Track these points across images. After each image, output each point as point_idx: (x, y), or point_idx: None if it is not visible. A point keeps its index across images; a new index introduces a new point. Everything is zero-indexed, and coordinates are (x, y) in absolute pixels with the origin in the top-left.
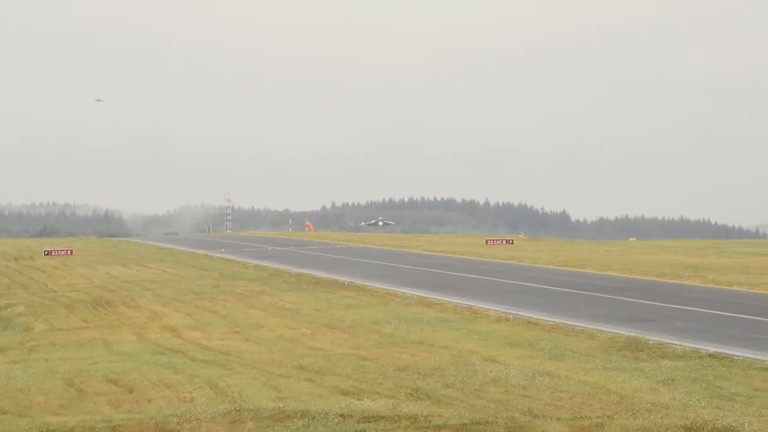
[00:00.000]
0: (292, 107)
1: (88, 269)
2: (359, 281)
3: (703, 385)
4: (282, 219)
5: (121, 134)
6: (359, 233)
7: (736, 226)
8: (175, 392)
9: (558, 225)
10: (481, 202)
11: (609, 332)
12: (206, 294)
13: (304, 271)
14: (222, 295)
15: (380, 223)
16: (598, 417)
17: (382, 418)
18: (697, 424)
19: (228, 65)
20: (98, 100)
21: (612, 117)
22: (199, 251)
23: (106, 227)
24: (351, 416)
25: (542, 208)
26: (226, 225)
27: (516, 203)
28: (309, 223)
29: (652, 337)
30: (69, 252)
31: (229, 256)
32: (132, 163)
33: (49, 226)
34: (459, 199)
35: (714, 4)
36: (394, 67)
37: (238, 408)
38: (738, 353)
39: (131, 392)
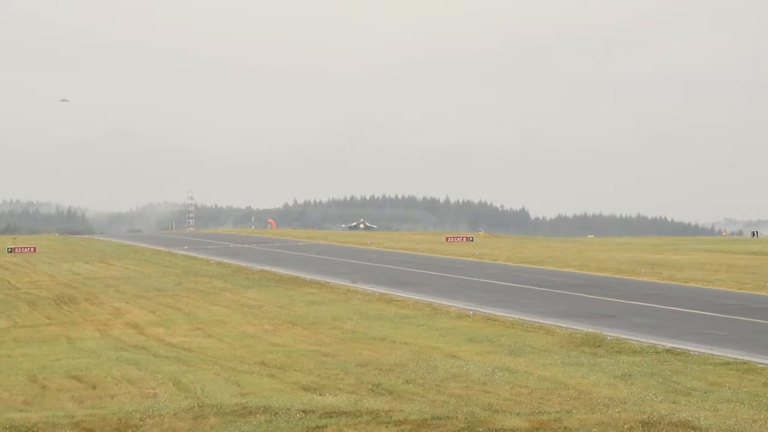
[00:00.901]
0: (255, 105)
1: (51, 266)
2: (321, 278)
3: (660, 380)
4: (245, 216)
5: (85, 132)
6: (321, 231)
7: (693, 223)
8: (138, 388)
9: (517, 222)
10: (442, 199)
11: (568, 328)
12: (169, 291)
13: (267, 268)
14: (185, 292)
15: (362, 226)
16: (557, 412)
17: (344, 413)
18: (654, 419)
19: (191, 63)
20: (63, 100)
21: (571, 116)
22: (162, 248)
23: (70, 225)
24: (313, 411)
25: (502, 206)
26: (189, 222)
27: (476, 201)
28: (271, 220)
29: (610, 333)
30: (32, 249)
31: (191, 254)
32: (96, 160)
33: (12, 223)
34: (420, 197)
35: (670, 6)
36: (356, 66)
37: (200, 404)
38: (694, 348)
39: (94, 388)
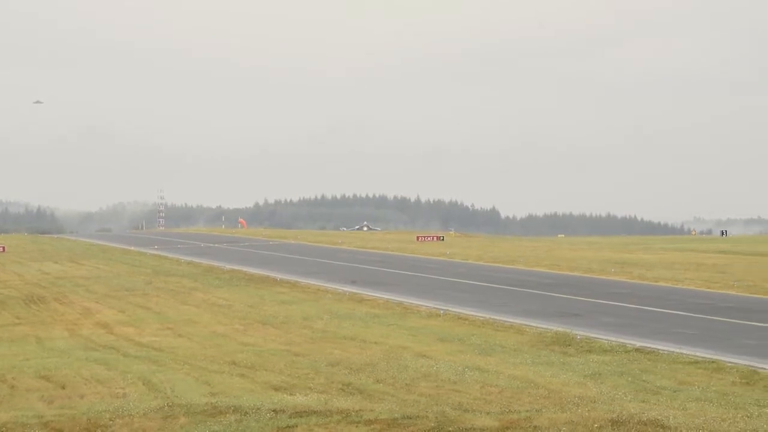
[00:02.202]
0: (225, 103)
1: (20, 266)
2: (292, 277)
3: (629, 378)
4: (215, 216)
5: (55, 130)
6: (292, 230)
7: (662, 223)
8: (107, 388)
9: (488, 222)
10: (413, 199)
11: (538, 327)
12: (139, 290)
13: (237, 267)
14: (155, 292)
15: (365, 228)
16: (527, 411)
17: (314, 412)
18: (623, 417)
19: (166, 61)
20: (37, 102)
21: (541, 117)
22: (132, 248)
23: (39, 224)
24: (283, 411)
25: (473, 205)
26: (160, 222)
27: (447, 200)
28: (242, 220)
29: (580, 332)
30: (1, 249)
31: (162, 253)
32: (66, 159)
33: None
34: (391, 197)
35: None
36: (328, 66)
37: (170, 403)
38: (663, 347)
39: (63, 388)
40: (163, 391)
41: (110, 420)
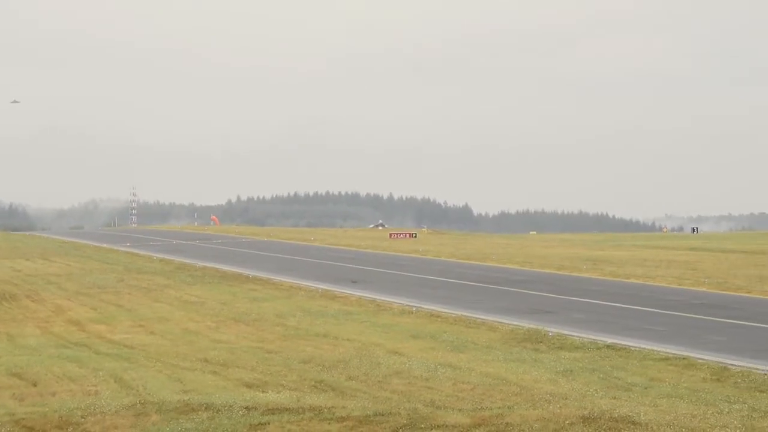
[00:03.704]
0: (198, 100)
1: None
2: (264, 274)
3: (601, 375)
4: (188, 213)
5: (27, 127)
6: (264, 227)
7: (634, 220)
8: (79, 385)
9: (460, 219)
10: (386, 196)
11: (510, 324)
12: (111, 288)
13: (210, 264)
14: (127, 289)
15: (380, 228)
16: (499, 407)
17: (287, 410)
18: (595, 414)
19: (135, 54)
20: (14, 101)
21: (514, 114)
22: (104, 245)
23: (11, 221)
24: (255, 408)
25: (445, 203)
26: (132, 219)
27: (420, 197)
28: (215, 217)
29: (552, 329)
30: None
31: (134, 250)
32: (38, 156)
33: None
34: (364, 194)
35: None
36: (300, 63)
37: (142, 401)
38: (634, 344)
39: (35, 386)
40: (135, 389)
41: (82, 417)
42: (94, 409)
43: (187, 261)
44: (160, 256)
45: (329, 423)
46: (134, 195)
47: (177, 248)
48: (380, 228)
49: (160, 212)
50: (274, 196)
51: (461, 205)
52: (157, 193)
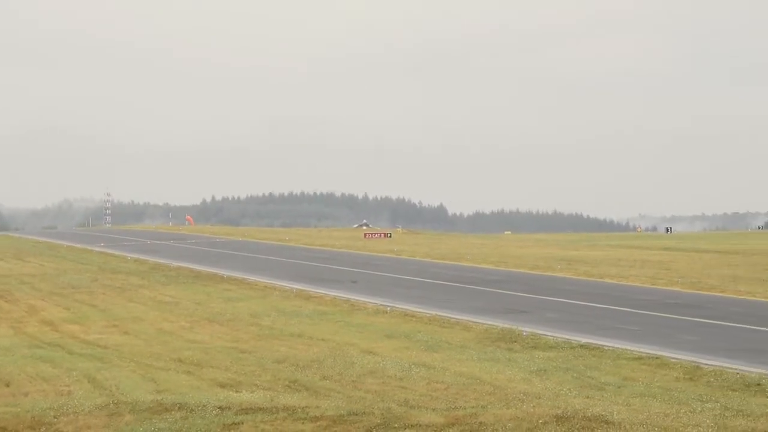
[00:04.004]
0: (172, 98)
1: None
2: (239, 274)
3: (574, 375)
4: (162, 213)
5: (2, 127)
6: (239, 227)
7: (608, 220)
8: (52, 386)
9: (435, 219)
10: (361, 196)
11: (484, 324)
12: (85, 288)
13: (184, 264)
14: (101, 289)
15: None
16: (473, 407)
17: (260, 409)
18: (568, 413)
19: (112, 50)
20: None
21: (489, 115)
22: (78, 245)
23: None
24: (229, 408)
25: (420, 203)
26: (106, 219)
27: (395, 197)
28: (189, 217)
29: (526, 329)
30: None
31: (108, 250)
32: (11, 156)
33: None
34: (339, 194)
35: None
36: (277, 61)
37: (116, 401)
38: (608, 344)
39: (8, 386)
40: (108, 389)
41: (55, 418)
42: (67, 410)
43: (162, 261)
44: (135, 256)
45: (303, 422)
46: (108, 195)
47: (151, 248)
48: (365, 228)
49: (135, 212)
50: (249, 196)
51: (436, 205)
52: (132, 193)
